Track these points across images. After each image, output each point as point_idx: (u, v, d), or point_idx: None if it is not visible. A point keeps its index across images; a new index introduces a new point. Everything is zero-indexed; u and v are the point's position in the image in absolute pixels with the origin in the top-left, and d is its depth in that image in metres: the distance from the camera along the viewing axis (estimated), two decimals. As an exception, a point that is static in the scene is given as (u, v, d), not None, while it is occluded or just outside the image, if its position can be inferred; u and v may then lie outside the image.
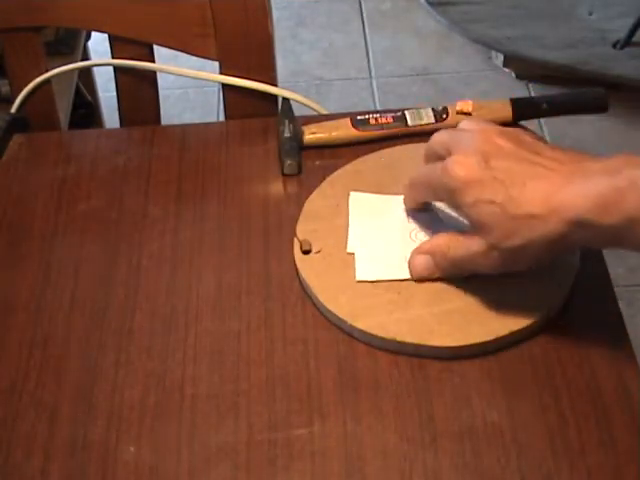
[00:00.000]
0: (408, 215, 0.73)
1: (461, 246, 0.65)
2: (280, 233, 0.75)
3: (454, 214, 0.69)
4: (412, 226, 0.72)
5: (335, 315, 0.67)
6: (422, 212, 0.72)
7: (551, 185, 0.59)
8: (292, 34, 2.34)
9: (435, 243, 0.67)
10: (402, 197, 0.74)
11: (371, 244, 0.71)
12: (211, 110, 2.12)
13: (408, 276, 0.69)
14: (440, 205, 0.71)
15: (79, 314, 0.70)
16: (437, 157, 0.67)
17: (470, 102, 0.84)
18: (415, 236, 0.71)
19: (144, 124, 0.97)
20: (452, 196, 0.63)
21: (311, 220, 0.74)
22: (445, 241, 0.66)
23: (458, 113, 0.84)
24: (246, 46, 0.91)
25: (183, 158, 0.84)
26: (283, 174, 0.81)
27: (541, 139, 0.67)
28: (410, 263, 0.68)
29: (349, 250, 0.71)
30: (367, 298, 0.68)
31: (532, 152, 0.62)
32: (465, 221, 0.66)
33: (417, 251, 0.68)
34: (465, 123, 0.68)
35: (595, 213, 0.57)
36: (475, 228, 0.63)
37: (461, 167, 0.62)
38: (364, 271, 0.69)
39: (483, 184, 0.61)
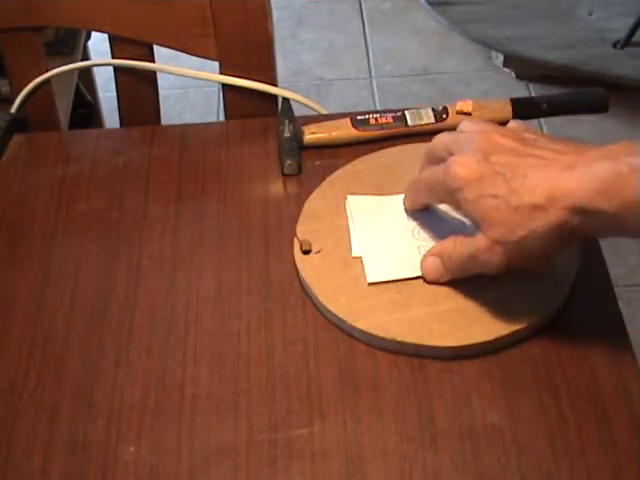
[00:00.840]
0: (407, 213, 0.73)
1: (466, 245, 0.65)
2: (280, 233, 0.75)
3: (456, 215, 0.69)
4: (413, 224, 0.72)
5: (335, 315, 0.67)
6: (421, 210, 0.72)
7: (552, 174, 0.59)
8: (292, 34, 2.34)
9: (442, 246, 0.67)
10: (399, 197, 0.74)
11: (376, 246, 0.71)
12: (211, 110, 2.12)
13: (417, 274, 0.68)
14: (444, 207, 0.71)
15: (79, 314, 0.70)
16: (438, 158, 0.67)
17: (470, 102, 0.84)
18: (418, 233, 0.72)
19: (144, 124, 0.97)
20: (454, 196, 0.63)
21: (311, 220, 0.74)
22: (451, 243, 0.66)
23: (458, 113, 0.84)
24: (246, 46, 0.91)
25: (183, 158, 0.84)
26: (283, 174, 0.81)
27: (541, 132, 0.66)
28: (421, 266, 0.68)
29: (354, 254, 0.71)
30: (367, 298, 0.68)
31: (532, 146, 0.62)
32: (466, 220, 0.66)
33: (427, 254, 0.68)
34: (465, 124, 0.68)
35: (597, 199, 0.57)
36: (478, 225, 0.63)
37: (461, 166, 0.62)
38: (374, 273, 0.69)
39: (484, 180, 0.61)
